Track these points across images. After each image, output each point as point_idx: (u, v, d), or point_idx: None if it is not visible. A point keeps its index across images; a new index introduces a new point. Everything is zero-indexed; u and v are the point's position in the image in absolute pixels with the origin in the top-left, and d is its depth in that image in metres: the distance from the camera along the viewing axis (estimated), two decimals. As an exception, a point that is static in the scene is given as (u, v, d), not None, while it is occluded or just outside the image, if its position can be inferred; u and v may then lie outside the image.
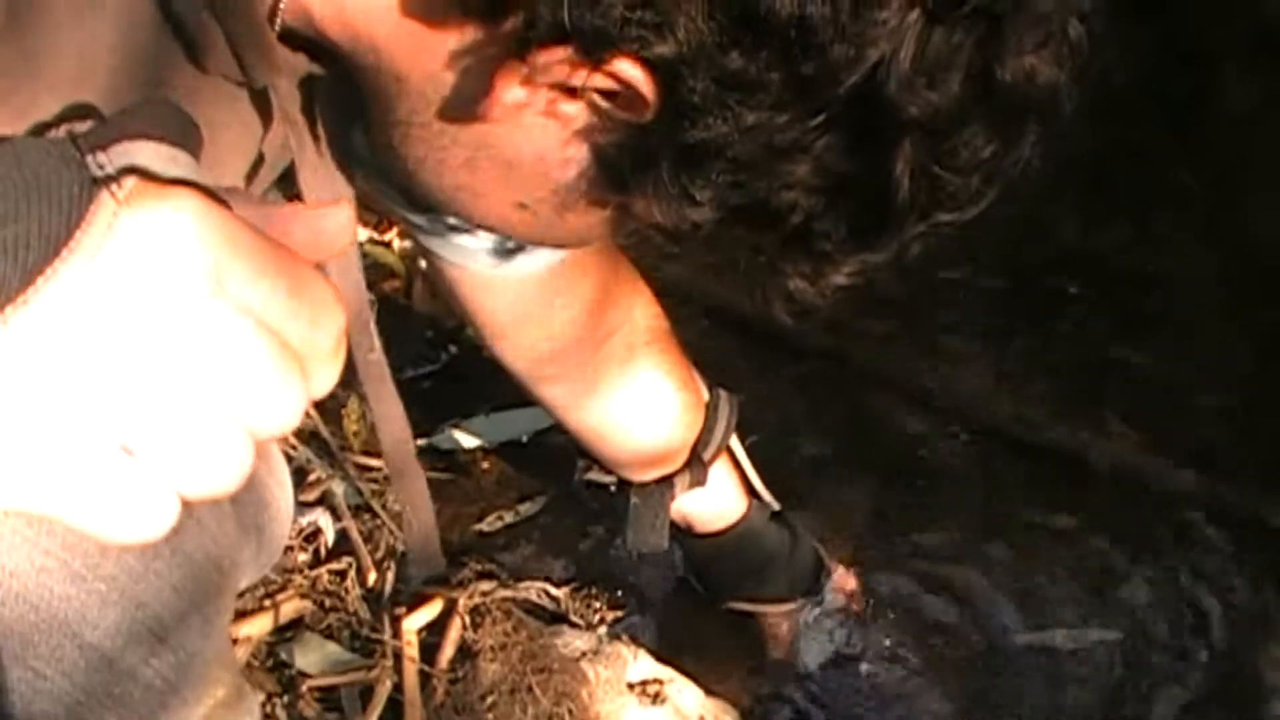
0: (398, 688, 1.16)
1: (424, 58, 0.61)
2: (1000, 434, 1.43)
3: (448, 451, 1.39)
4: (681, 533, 1.19)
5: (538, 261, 1.00)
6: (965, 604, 1.29)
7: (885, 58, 0.55)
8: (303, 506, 1.25)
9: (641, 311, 1.11)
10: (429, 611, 1.21)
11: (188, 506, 0.41)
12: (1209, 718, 1.20)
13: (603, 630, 1.24)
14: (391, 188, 0.84)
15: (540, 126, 0.61)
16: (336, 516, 1.28)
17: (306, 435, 1.34)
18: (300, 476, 1.28)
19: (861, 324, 1.52)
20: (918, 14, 0.55)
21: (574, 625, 1.24)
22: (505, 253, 0.97)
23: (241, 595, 1.17)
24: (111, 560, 0.63)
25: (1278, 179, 1.61)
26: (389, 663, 1.17)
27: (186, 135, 0.43)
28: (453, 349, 1.49)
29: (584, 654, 1.19)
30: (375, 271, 1.54)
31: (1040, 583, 1.31)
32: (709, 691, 1.20)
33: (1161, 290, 1.58)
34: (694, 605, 1.27)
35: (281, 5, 0.61)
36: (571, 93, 0.59)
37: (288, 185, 0.69)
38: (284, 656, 1.18)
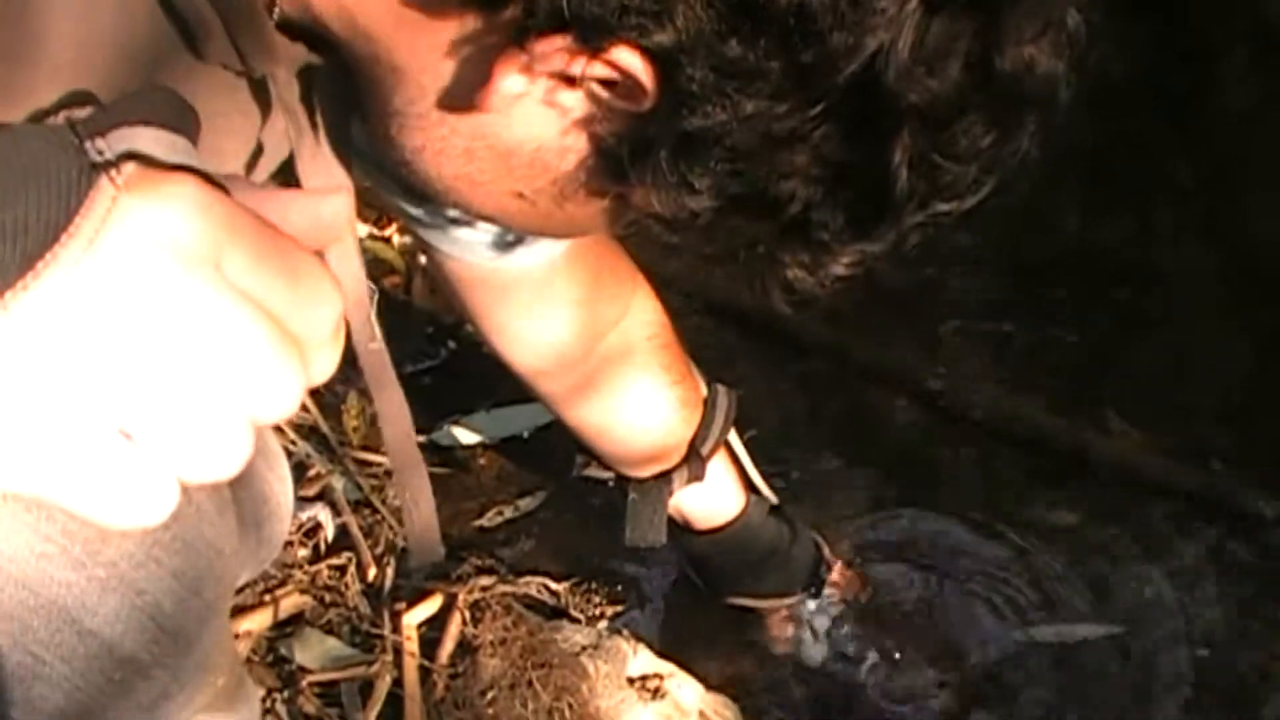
0: (398, 683, 1.16)
1: (422, 47, 0.61)
2: (1001, 430, 1.43)
3: (447, 447, 1.39)
4: (680, 528, 1.19)
5: (537, 255, 0.99)
6: (965, 600, 1.29)
7: (884, 46, 0.55)
8: (302, 502, 1.26)
9: (641, 306, 1.12)
10: (429, 607, 1.21)
11: (187, 494, 0.41)
12: (1211, 715, 1.20)
13: (603, 625, 1.24)
14: (390, 179, 0.84)
15: (539, 116, 0.61)
16: (336, 512, 1.28)
17: (306, 430, 1.34)
18: (300, 472, 1.28)
19: (862, 319, 1.52)
20: (916, 3, 0.55)
21: (574, 620, 1.24)
22: (504, 245, 0.97)
23: (241, 590, 1.17)
24: (111, 547, 0.63)
25: (1278, 177, 1.61)
26: (389, 658, 1.17)
27: (185, 121, 0.43)
28: (452, 345, 1.49)
29: (584, 649, 1.19)
30: (375, 267, 1.54)
31: (1041, 579, 1.31)
32: (709, 686, 1.20)
33: (1161, 287, 1.57)
34: (694, 600, 1.27)
35: None
36: (570, 82, 0.59)
37: (287, 177, 0.69)
38: (284, 652, 1.18)
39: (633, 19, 0.55)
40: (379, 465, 1.33)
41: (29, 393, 0.38)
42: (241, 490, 0.81)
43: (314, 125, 0.67)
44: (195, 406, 0.39)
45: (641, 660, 1.19)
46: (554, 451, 1.37)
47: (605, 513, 1.31)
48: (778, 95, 0.56)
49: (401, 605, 1.21)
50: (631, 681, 1.18)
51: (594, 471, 1.20)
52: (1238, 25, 1.71)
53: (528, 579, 1.26)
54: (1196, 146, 1.67)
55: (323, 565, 1.24)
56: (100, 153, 0.40)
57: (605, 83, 0.59)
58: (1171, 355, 1.50)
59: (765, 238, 0.64)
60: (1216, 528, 1.34)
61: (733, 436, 1.18)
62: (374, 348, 0.78)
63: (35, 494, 0.40)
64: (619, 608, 1.26)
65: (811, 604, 1.24)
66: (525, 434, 1.40)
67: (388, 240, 1.58)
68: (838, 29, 0.54)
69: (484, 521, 1.33)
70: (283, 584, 1.21)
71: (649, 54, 0.56)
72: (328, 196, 0.46)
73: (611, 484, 1.19)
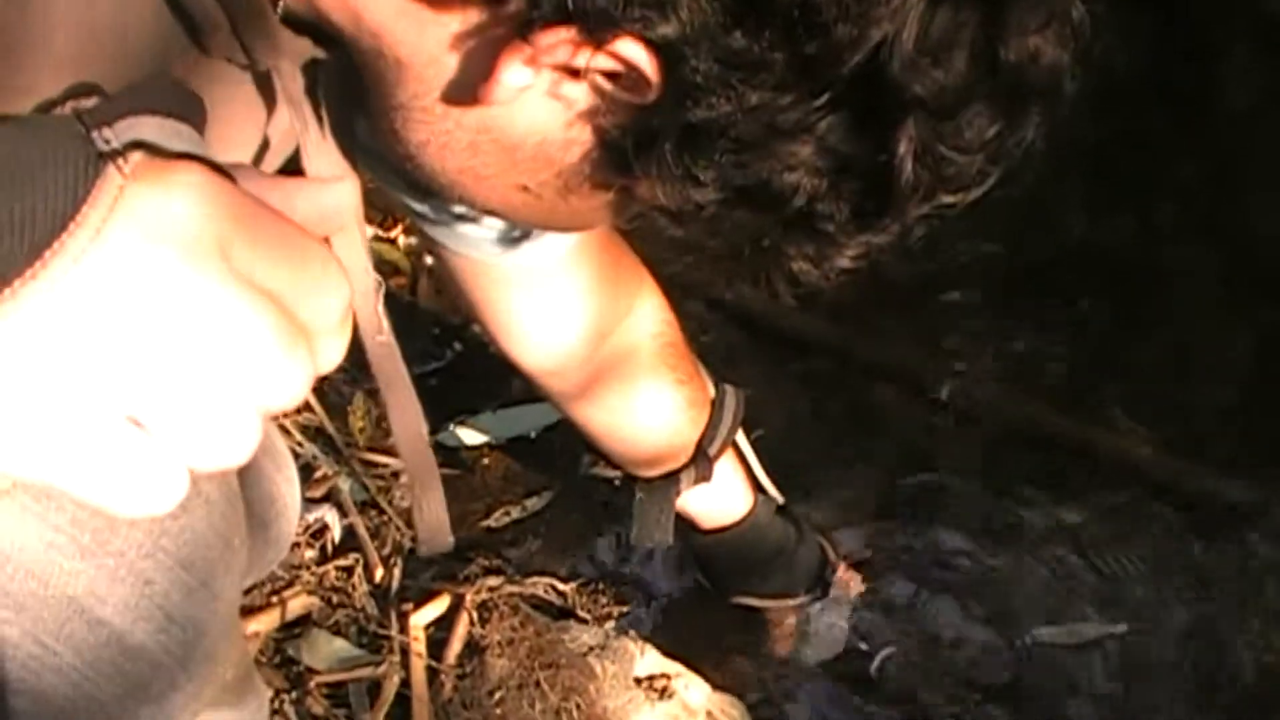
0: (405, 683, 1.16)
1: (426, 41, 0.61)
2: (1006, 429, 1.43)
3: (454, 448, 1.39)
4: (687, 528, 1.19)
5: (543, 250, 1.00)
6: (971, 599, 1.29)
7: (888, 37, 0.55)
8: (309, 503, 1.26)
9: (647, 304, 1.12)
10: (436, 607, 1.21)
11: (196, 485, 0.41)
12: (1217, 714, 1.20)
13: (610, 625, 1.24)
14: (395, 175, 0.84)
15: (543, 109, 0.61)
16: (343, 513, 1.28)
17: (313, 432, 1.34)
18: (307, 473, 1.28)
19: (867, 319, 1.52)
20: None
21: (581, 620, 1.24)
22: (510, 241, 0.97)
23: (249, 592, 1.17)
24: (120, 536, 0.63)
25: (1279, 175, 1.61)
26: (397, 659, 1.17)
27: (191, 111, 0.43)
28: (458, 346, 1.49)
29: (591, 649, 1.19)
30: (380, 268, 1.52)
31: (1046, 578, 1.31)
32: (716, 686, 1.20)
33: (1163, 285, 1.58)
34: (701, 600, 1.27)
35: None
36: (574, 74, 0.59)
37: (293, 172, 0.69)
38: (291, 653, 1.18)
39: (636, 11, 0.55)
40: (386, 466, 1.33)
41: (38, 380, 0.39)
42: (249, 491, 0.81)
43: (319, 120, 0.67)
44: (203, 394, 0.40)
45: (649, 660, 1.19)
46: (560, 452, 1.37)
47: (612, 513, 1.31)
48: (782, 86, 0.56)
49: (409, 606, 1.21)
50: (639, 681, 1.18)
51: (600, 471, 1.20)
52: (1240, 23, 1.71)
53: (535, 579, 1.26)
54: (1198, 145, 1.67)
55: (330, 566, 1.24)
56: (107, 142, 0.40)
57: (609, 75, 0.59)
58: (1174, 353, 1.50)
59: (770, 230, 0.63)
60: (1221, 526, 1.34)
61: (740, 437, 1.18)
62: (382, 340, 0.78)
63: (44, 481, 0.40)
64: (626, 608, 1.26)
65: (816, 605, 1.24)
66: (532, 434, 1.40)
67: (393, 241, 1.58)
68: (842, 20, 0.54)
69: (491, 522, 1.33)
70: (290, 585, 1.21)
71: (653, 46, 0.56)
72: (334, 184, 0.46)
73: (619, 483, 1.19)
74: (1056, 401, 1.46)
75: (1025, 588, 1.30)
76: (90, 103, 0.42)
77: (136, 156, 0.40)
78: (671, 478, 1.13)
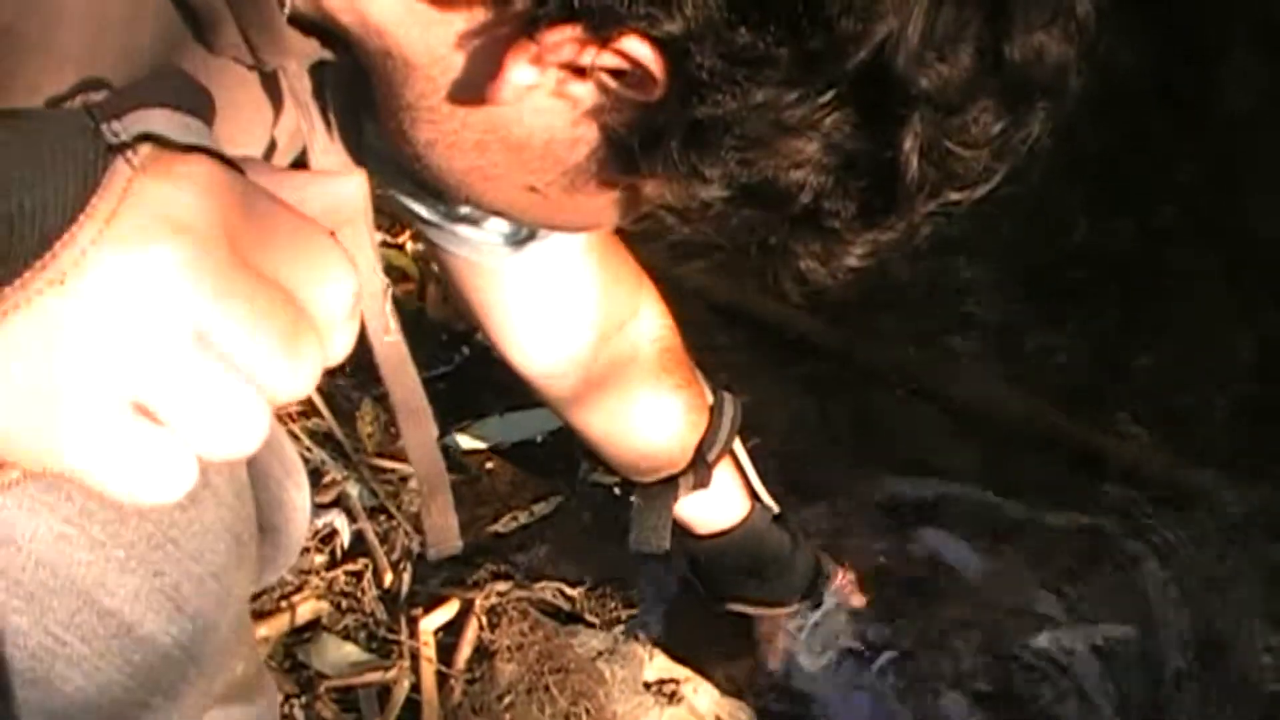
0: (415, 688, 1.16)
1: (432, 40, 0.61)
2: (1009, 433, 1.43)
3: (462, 453, 1.39)
4: (683, 534, 1.19)
5: (545, 255, 1.00)
6: (975, 603, 1.29)
7: (893, 33, 0.55)
8: (318, 508, 1.26)
9: (648, 310, 1.12)
10: (446, 612, 1.22)
11: (205, 478, 0.42)
12: (1223, 717, 1.20)
13: (618, 630, 1.24)
14: (403, 176, 0.84)
15: (549, 108, 0.61)
16: (352, 518, 1.28)
17: (321, 437, 1.35)
18: (316, 478, 1.28)
19: (870, 322, 1.52)
20: None
21: (590, 625, 1.24)
22: (514, 244, 0.97)
23: (258, 597, 1.18)
24: (130, 527, 0.63)
25: (1280, 177, 1.61)
26: (406, 663, 1.17)
27: (199, 104, 0.43)
28: (466, 351, 1.49)
29: (600, 653, 1.19)
30: (389, 274, 1.53)
31: (1051, 581, 1.31)
32: (724, 691, 1.20)
33: (1166, 288, 1.58)
34: (710, 605, 1.27)
35: None
36: (580, 73, 0.59)
37: (302, 168, 0.69)
38: (301, 657, 1.18)
39: (641, 8, 0.55)
40: (394, 471, 1.33)
41: (46, 370, 0.39)
42: (259, 495, 0.81)
43: (326, 122, 0.67)
44: (211, 385, 0.40)
45: (657, 665, 1.19)
46: (568, 456, 1.37)
47: (620, 518, 1.31)
48: (787, 83, 0.56)
49: (418, 611, 1.21)
50: (647, 686, 1.18)
51: (600, 477, 1.20)
52: (1241, 26, 1.71)
53: (543, 584, 1.26)
54: (1200, 148, 1.67)
55: (339, 571, 1.24)
56: (116, 135, 0.40)
57: (615, 73, 0.59)
58: (1177, 356, 1.50)
59: (776, 228, 0.63)
60: (1227, 528, 1.34)
61: (737, 444, 1.18)
62: (390, 340, 0.78)
63: (54, 471, 0.41)
64: (634, 612, 1.26)
65: (813, 614, 1.23)
66: (540, 438, 1.40)
67: (401, 247, 1.59)
68: (846, 16, 0.54)
69: (499, 527, 1.33)
70: (300, 590, 1.22)
71: (658, 43, 0.57)
72: (343, 177, 0.46)
73: (617, 490, 1.19)
74: (1060, 405, 1.46)
75: (1028, 592, 1.30)
76: (99, 96, 0.42)
77: (145, 149, 0.40)
78: (670, 483, 1.13)
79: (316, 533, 1.24)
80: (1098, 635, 1.26)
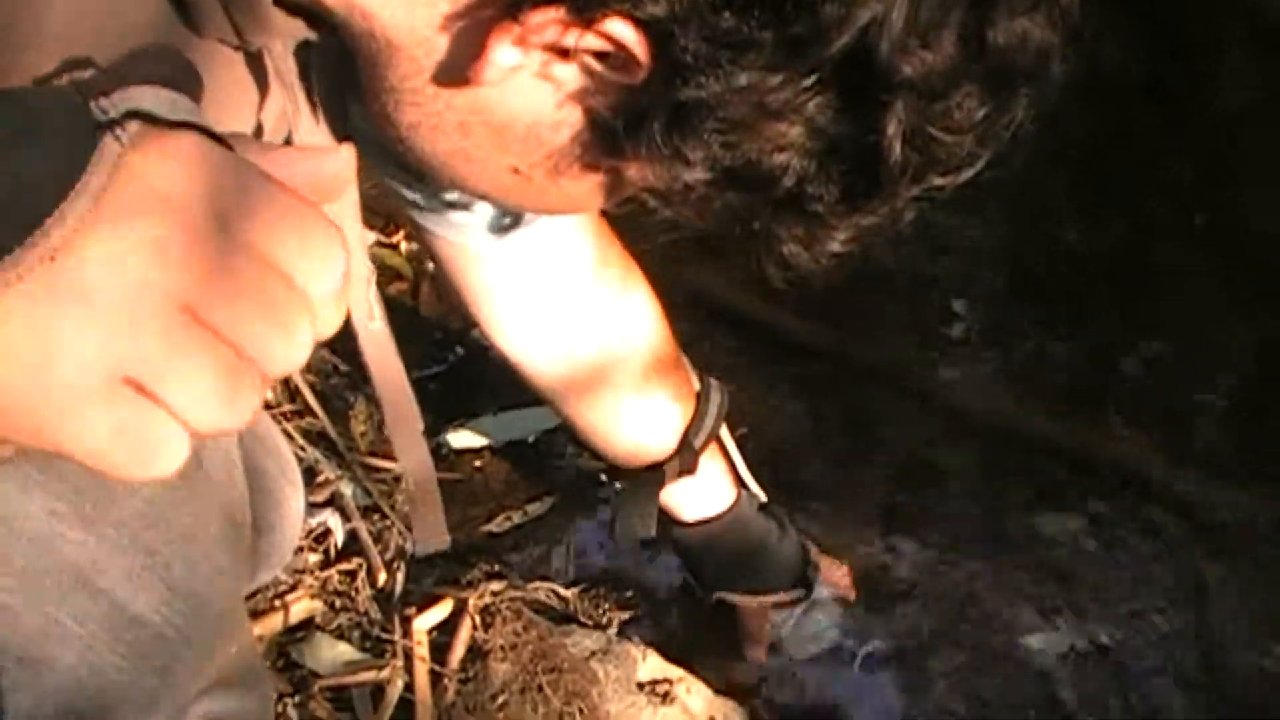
0: (409, 687, 1.16)
1: (416, 21, 0.61)
2: (1003, 434, 1.44)
3: (455, 452, 1.39)
4: (670, 522, 1.19)
5: (533, 240, 1.00)
6: (968, 604, 1.29)
7: (877, 18, 0.55)
8: (312, 507, 1.26)
9: (635, 297, 1.11)
10: (439, 611, 1.22)
11: (198, 459, 0.42)
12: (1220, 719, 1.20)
13: (612, 630, 1.24)
14: (389, 160, 0.83)
15: (533, 89, 0.61)
16: (346, 517, 1.28)
17: (315, 436, 1.35)
18: (309, 477, 1.28)
19: (863, 323, 1.52)
20: None
21: (583, 625, 1.24)
22: (501, 229, 0.97)
23: (252, 596, 1.18)
24: (122, 506, 0.63)
25: (1275, 175, 1.61)
26: (400, 663, 1.17)
27: (187, 81, 0.43)
28: (459, 350, 1.49)
29: (594, 653, 1.19)
30: (382, 274, 1.54)
31: (1044, 583, 1.31)
32: (718, 691, 1.20)
33: (1164, 289, 1.58)
34: (703, 605, 1.27)
35: None
36: (563, 54, 0.59)
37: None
38: (295, 657, 1.18)
39: None
40: (388, 471, 1.33)
41: (39, 344, 0.39)
42: (255, 494, 0.81)
43: (312, 104, 0.67)
44: (201, 357, 0.40)
45: (651, 665, 1.19)
46: (562, 456, 1.37)
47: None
48: (771, 66, 0.56)
49: (412, 610, 1.21)
50: (641, 686, 1.18)
51: (587, 463, 1.19)
52: (1234, 23, 1.71)
53: (537, 584, 1.26)
54: (1192, 144, 1.67)
55: (333, 570, 1.24)
56: (104, 112, 0.41)
57: (598, 55, 0.59)
58: (1174, 358, 1.51)
59: (760, 212, 0.63)
60: (1220, 530, 1.34)
61: (723, 431, 1.18)
62: (374, 327, 0.78)
63: (46, 446, 0.41)
64: (628, 613, 1.27)
65: (804, 604, 1.23)
66: (533, 438, 1.40)
67: (395, 247, 1.59)
68: (830, 0, 0.54)
69: (493, 527, 1.33)
70: (293, 589, 1.22)
71: (642, 25, 0.56)
72: (332, 153, 0.46)
73: (603, 477, 1.18)
74: (1054, 407, 1.46)
75: (1021, 593, 1.30)
76: (87, 75, 0.43)
77: (134, 126, 0.40)
78: (656, 470, 1.13)
79: (310, 532, 1.24)
80: (1091, 637, 1.26)
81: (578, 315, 1.08)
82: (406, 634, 1.19)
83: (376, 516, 1.30)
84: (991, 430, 1.44)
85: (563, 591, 1.26)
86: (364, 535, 1.27)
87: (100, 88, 0.41)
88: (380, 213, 1.52)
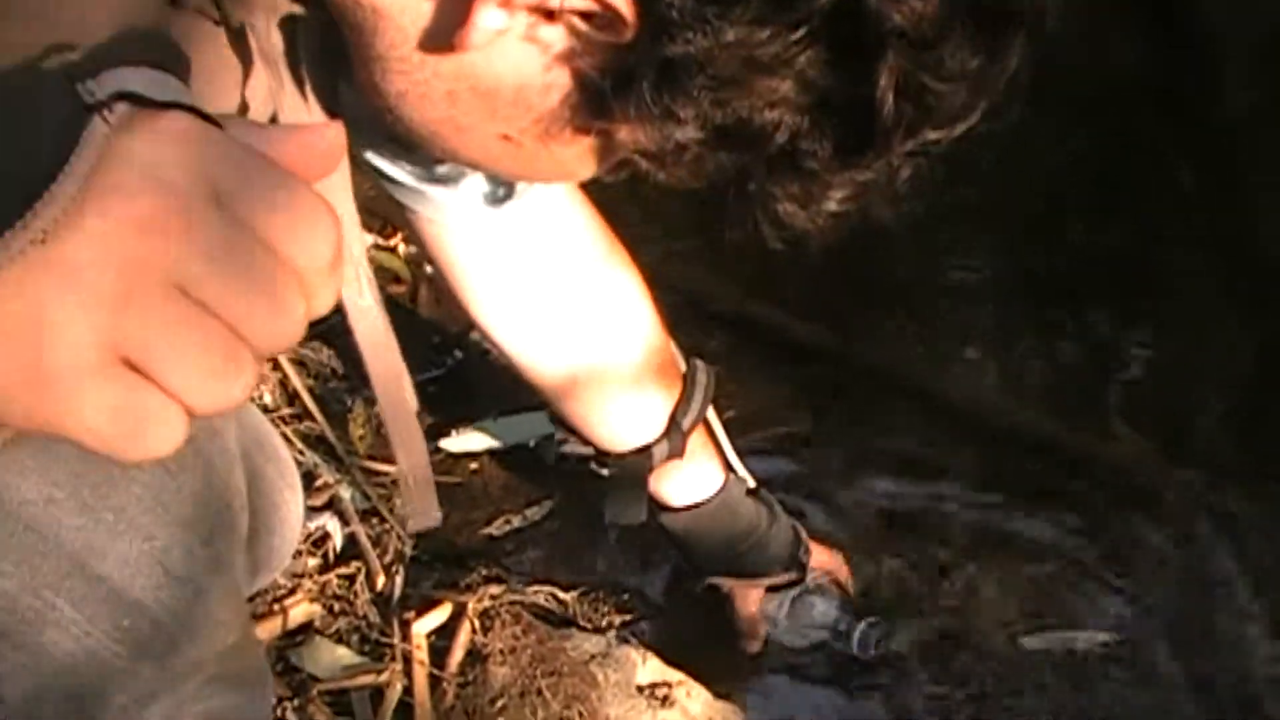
0: (408, 691, 1.16)
1: None
2: (1005, 435, 1.43)
3: (455, 456, 1.39)
4: (660, 507, 1.18)
5: (523, 217, 1.00)
6: (968, 604, 1.29)
7: None
8: (311, 511, 1.26)
9: (623, 279, 1.11)
10: (438, 615, 1.22)
11: (195, 445, 0.42)
12: (1219, 719, 1.20)
13: (611, 634, 1.24)
14: (379, 137, 0.83)
15: (519, 53, 0.60)
16: (345, 521, 1.28)
17: (314, 440, 1.35)
18: (308, 481, 1.28)
19: (864, 325, 1.52)
20: None
21: (583, 629, 1.24)
22: (496, 200, 0.97)
23: (251, 600, 1.17)
24: (120, 491, 0.63)
25: (1276, 177, 1.61)
26: (399, 666, 1.17)
27: (174, 61, 0.43)
28: (458, 354, 1.49)
29: (593, 657, 1.19)
30: (380, 276, 1.54)
31: (1044, 584, 1.31)
32: (717, 695, 1.20)
33: (1164, 291, 1.58)
34: (702, 608, 1.27)
35: None
36: (549, 16, 0.58)
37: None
38: (294, 660, 1.18)
39: None
40: (386, 474, 1.33)
41: (32, 327, 0.39)
42: (254, 497, 0.81)
43: (298, 80, 0.66)
44: (196, 335, 0.40)
45: (650, 669, 1.19)
46: (561, 459, 1.37)
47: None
48: (759, 20, 0.55)
49: (411, 614, 1.21)
50: (640, 690, 1.18)
51: (574, 448, 1.19)
52: (1240, 29, 1.71)
53: (536, 588, 1.26)
54: (1198, 149, 1.67)
55: (332, 574, 1.24)
56: (91, 94, 0.41)
57: (584, 15, 0.58)
58: (1176, 359, 1.50)
59: (754, 170, 0.62)
60: (1220, 532, 1.34)
61: (711, 414, 1.17)
62: (364, 305, 0.77)
63: (43, 428, 0.41)
64: (627, 616, 1.26)
65: (794, 589, 1.22)
66: (533, 442, 1.40)
67: (393, 250, 1.58)
68: None
69: (492, 530, 1.33)
70: (292, 593, 1.21)
71: None
72: (322, 130, 0.46)
73: (592, 463, 1.18)
74: (1055, 409, 1.46)
75: (1021, 594, 1.30)
76: (74, 56, 0.43)
77: (122, 107, 0.40)
78: (644, 453, 1.12)
79: (309, 536, 1.24)
80: (1089, 639, 1.26)
81: (564, 294, 1.08)
82: (406, 638, 1.19)
83: (375, 520, 1.30)
84: (991, 430, 1.44)
85: (562, 595, 1.26)
86: (363, 539, 1.27)
87: (87, 69, 0.41)
88: (378, 215, 1.52)
